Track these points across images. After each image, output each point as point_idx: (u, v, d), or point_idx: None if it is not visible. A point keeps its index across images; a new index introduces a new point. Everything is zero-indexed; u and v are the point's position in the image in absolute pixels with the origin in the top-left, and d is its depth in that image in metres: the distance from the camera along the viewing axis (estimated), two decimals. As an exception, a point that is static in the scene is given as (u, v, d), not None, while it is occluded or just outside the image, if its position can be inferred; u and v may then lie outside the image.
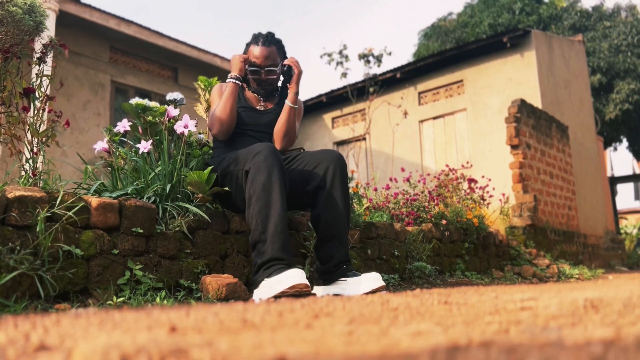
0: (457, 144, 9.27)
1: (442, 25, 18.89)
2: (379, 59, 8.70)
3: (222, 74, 10.36)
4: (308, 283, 1.95)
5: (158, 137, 2.68)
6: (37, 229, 1.82)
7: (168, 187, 2.38)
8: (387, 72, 9.79)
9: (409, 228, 3.76)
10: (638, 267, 9.12)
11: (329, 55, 8.67)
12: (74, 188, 2.46)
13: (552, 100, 8.80)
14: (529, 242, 6.01)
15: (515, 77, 8.54)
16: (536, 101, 8.21)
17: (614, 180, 16.86)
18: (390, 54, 8.74)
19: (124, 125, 2.62)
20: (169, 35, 9.06)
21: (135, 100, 2.72)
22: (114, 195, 2.30)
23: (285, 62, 2.68)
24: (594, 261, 8.15)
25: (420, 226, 3.90)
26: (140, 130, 2.69)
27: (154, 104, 2.86)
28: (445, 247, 4.04)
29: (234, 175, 2.30)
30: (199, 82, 3.00)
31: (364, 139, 10.26)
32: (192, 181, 2.29)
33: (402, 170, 4.70)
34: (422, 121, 9.75)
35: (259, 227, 2.08)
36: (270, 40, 2.65)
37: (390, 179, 4.41)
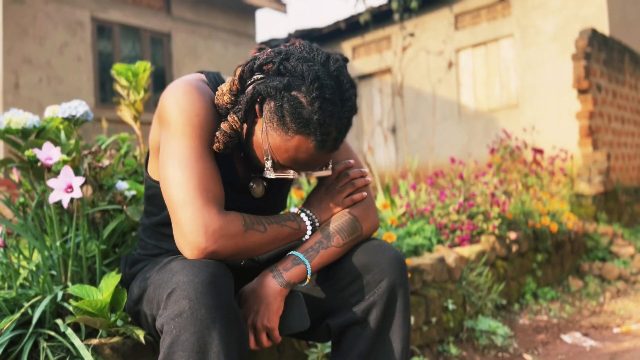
0: (501, 77, 7.85)
1: None
2: None
3: (232, 4, 8.84)
4: None
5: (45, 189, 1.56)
6: None
7: (47, 300, 1.28)
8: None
9: (464, 250, 2.64)
10: None
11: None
12: None
13: (621, 20, 7.21)
14: (600, 213, 4.84)
15: (576, -6, 6.95)
16: (602, 24, 6.68)
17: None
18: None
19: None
20: (156, -42, 7.60)
21: (7, 117, 1.56)
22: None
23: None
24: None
25: (478, 243, 2.77)
26: (17, 172, 1.56)
27: (49, 115, 1.72)
28: (511, 267, 2.93)
29: (148, 318, 1.16)
30: (115, 71, 1.75)
31: (390, 70, 8.86)
32: (81, 308, 1.18)
33: (452, 161, 3.46)
34: (458, 50, 8.27)
35: None
36: (340, 140, 1.12)
37: (436, 174, 3.24)
